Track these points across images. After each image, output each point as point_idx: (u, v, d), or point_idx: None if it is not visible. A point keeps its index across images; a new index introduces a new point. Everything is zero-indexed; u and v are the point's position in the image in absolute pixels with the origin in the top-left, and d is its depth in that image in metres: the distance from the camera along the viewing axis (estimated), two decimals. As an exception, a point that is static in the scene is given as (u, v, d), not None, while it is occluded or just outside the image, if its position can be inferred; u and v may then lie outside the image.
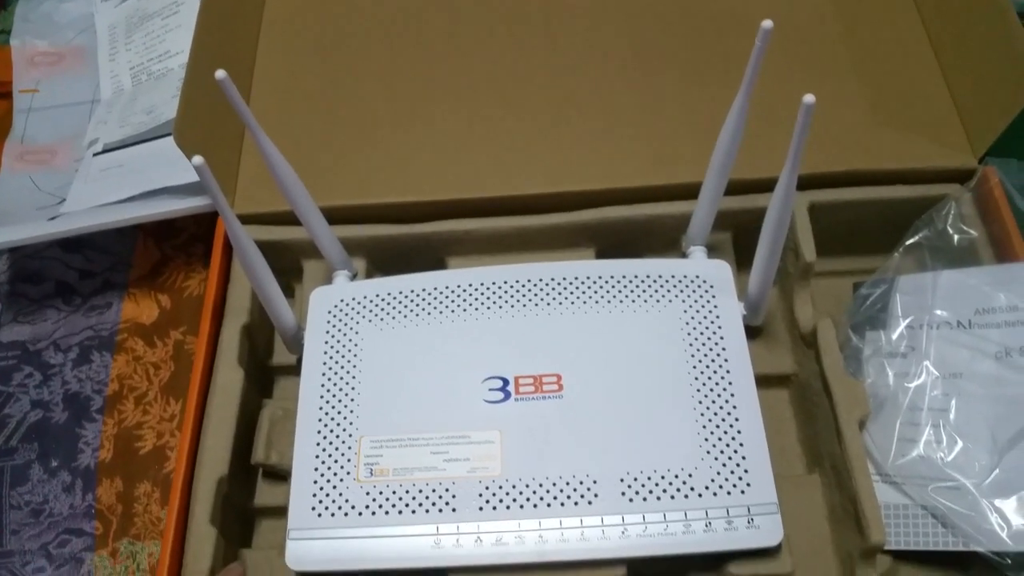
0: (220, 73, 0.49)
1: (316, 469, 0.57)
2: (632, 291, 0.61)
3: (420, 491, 0.55)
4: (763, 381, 0.63)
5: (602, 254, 0.69)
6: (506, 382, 0.58)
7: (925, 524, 0.57)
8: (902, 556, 0.59)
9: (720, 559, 0.55)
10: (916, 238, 0.64)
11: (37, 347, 0.78)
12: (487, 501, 0.55)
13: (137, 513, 0.69)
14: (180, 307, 0.78)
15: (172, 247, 0.82)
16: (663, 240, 0.68)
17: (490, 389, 0.58)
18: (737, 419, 0.56)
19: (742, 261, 0.65)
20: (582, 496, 0.54)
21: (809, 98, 0.45)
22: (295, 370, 0.66)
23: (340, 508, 0.55)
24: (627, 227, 0.67)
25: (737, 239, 0.68)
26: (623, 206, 0.67)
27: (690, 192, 0.64)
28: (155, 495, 0.70)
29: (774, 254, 0.56)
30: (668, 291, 0.61)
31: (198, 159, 0.47)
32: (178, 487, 0.59)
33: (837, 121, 0.68)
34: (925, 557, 0.58)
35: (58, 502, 0.70)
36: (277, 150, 0.56)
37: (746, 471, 0.54)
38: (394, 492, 0.55)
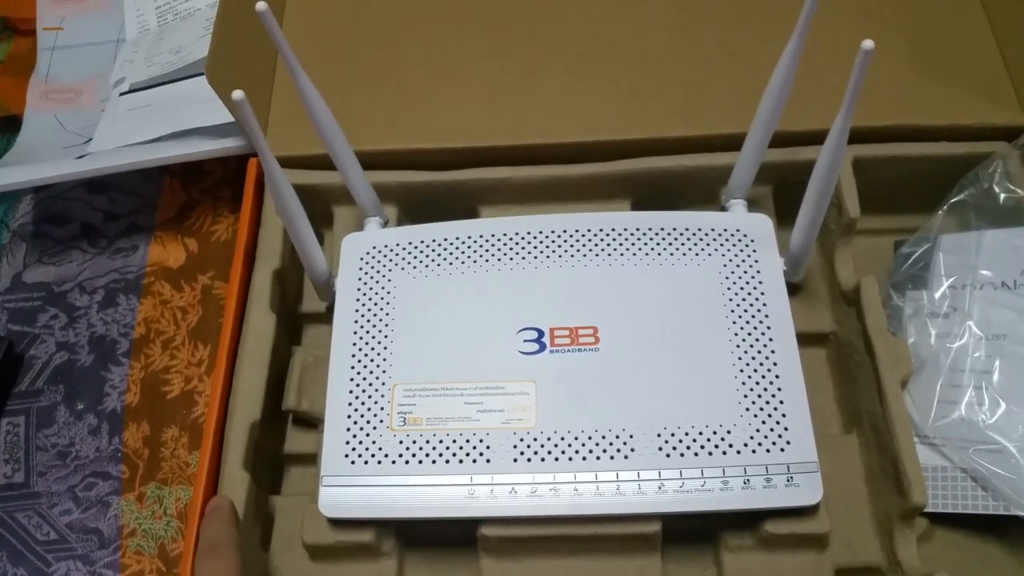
0: (261, 5, 0.47)
1: (349, 416, 0.56)
2: (671, 244, 0.60)
3: (454, 441, 0.55)
4: (801, 339, 0.62)
5: (637, 206, 0.68)
6: (541, 333, 0.57)
7: (964, 487, 0.57)
8: (938, 519, 0.58)
9: (756, 517, 0.55)
10: (961, 196, 0.63)
11: (62, 289, 0.77)
12: (522, 453, 0.54)
13: (164, 458, 0.69)
14: (208, 251, 0.77)
15: (199, 190, 0.81)
16: (701, 193, 0.66)
17: (525, 340, 0.57)
18: (777, 376, 0.55)
19: (782, 216, 0.64)
20: (618, 450, 0.54)
21: (868, 43, 0.43)
22: (324, 318, 0.66)
23: (373, 456, 0.55)
24: (665, 179, 0.66)
25: (777, 194, 0.67)
26: (661, 157, 0.66)
27: (730, 143, 0.62)
28: (183, 440, 0.69)
29: (821, 207, 0.55)
30: (707, 244, 0.60)
31: (238, 93, 0.46)
32: (210, 432, 0.58)
33: (882, 74, 0.66)
34: (961, 520, 0.58)
35: (84, 444, 0.70)
36: (315, 90, 0.54)
37: (786, 428, 0.53)
38: (427, 442, 0.55)
